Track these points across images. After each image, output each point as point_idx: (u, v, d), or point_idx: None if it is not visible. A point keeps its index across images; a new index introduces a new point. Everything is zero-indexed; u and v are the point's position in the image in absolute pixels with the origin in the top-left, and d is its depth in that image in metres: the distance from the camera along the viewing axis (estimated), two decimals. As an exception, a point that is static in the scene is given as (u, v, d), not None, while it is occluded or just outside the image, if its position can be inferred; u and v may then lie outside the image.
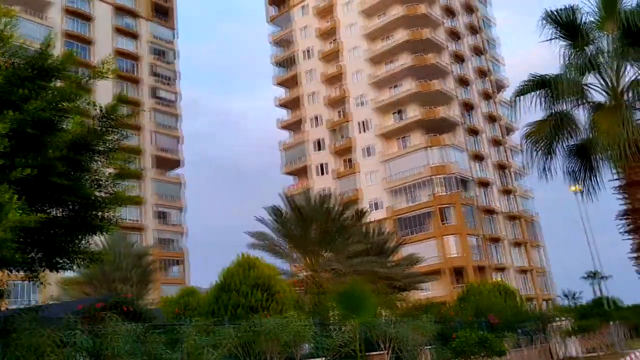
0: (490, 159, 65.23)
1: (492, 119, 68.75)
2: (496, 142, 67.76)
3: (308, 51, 70.91)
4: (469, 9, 71.99)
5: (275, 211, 27.36)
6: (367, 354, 15.14)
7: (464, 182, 58.36)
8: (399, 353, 14.26)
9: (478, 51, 70.79)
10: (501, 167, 66.81)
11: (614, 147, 10.16)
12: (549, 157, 12.71)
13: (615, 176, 11.76)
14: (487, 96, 69.59)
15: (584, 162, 13.00)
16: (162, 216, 64.53)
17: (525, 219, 66.94)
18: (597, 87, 11.86)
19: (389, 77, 61.95)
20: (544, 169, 12.78)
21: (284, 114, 73.65)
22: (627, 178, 11.22)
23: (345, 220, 29.18)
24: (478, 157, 62.38)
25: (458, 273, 53.88)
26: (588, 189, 13.06)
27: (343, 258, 28.74)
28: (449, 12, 66.69)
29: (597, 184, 12.99)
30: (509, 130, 72.79)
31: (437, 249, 54.58)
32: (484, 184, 61.62)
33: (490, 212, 60.77)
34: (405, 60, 60.62)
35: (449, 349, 13.70)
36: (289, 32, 73.48)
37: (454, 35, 66.34)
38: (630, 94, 11.03)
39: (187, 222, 68.21)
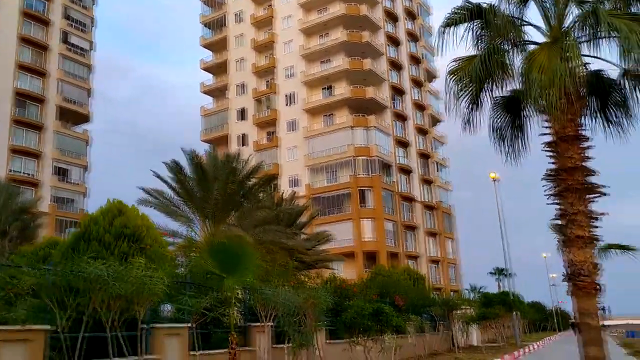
0: (415, 147, 64.78)
1: (420, 107, 68.31)
2: (422, 131, 67.43)
3: (239, 14, 67.28)
4: (409, -6, 70.97)
5: (174, 167, 24.39)
6: (247, 324, 12.89)
7: (386, 167, 57.40)
8: (285, 327, 12.12)
9: (413, 37, 69.99)
10: (424, 156, 66.61)
11: (551, 86, 8.31)
12: (475, 106, 10.83)
13: (546, 131, 10.01)
14: (417, 84, 69.05)
15: (512, 117, 11.27)
16: (62, 173, 59.19)
17: (442, 210, 67.27)
18: (538, 26, 10.08)
19: (321, 51, 59.67)
20: (468, 120, 10.90)
21: (209, 79, 69.74)
22: (559, 133, 9.49)
23: (254, 185, 26.71)
24: (402, 144, 61.66)
25: (371, 257, 52.92)
26: (514, 150, 11.36)
27: (249, 225, 26.42)
28: (389, -7, 65.28)
29: (524, 145, 11.32)
30: (435, 120, 72.86)
31: (352, 232, 53.36)
32: (406, 171, 61.05)
33: (409, 199, 60.32)
34: (339, 35, 58.52)
35: (339, 323, 11.75)
36: (221, -8, 69.48)
37: (392, 17, 65.02)
38: (575, 31, 9.29)
39: (91, 183, 63.18)
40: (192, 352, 10.65)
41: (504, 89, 10.85)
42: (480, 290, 68.69)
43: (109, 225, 13.49)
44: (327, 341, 14.62)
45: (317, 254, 34.49)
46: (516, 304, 36.89)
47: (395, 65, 63.63)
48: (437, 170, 69.64)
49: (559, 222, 9.60)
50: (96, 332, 8.32)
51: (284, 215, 32.68)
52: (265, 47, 64.29)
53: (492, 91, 10.86)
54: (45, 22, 59.21)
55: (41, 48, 58.40)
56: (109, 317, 8.18)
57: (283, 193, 39.40)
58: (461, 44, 10.44)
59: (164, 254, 13.79)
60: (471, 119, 10.96)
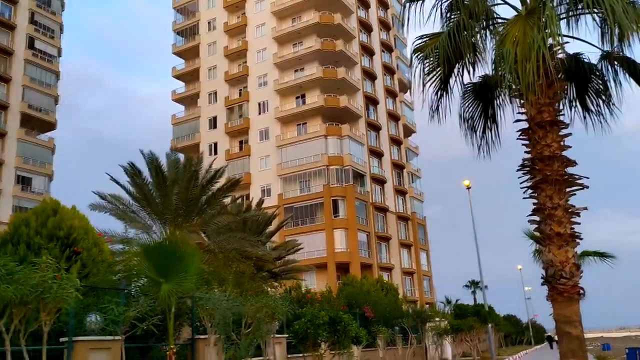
0: (389, 157, 64.06)
1: (394, 117, 67.79)
2: (395, 141, 66.81)
3: (212, 22, 66.13)
4: (383, 5, 70.74)
5: (131, 170, 22.94)
6: (195, 337, 11.55)
7: (359, 177, 56.47)
8: (237, 338, 10.81)
9: (387, 48, 69.66)
10: (397, 167, 65.92)
11: (527, 60, 7.32)
12: (444, 93, 9.83)
13: (521, 117, 9.02)
14: (391, 94, 68.58)
15: (484, 106, 10.29)
16: (24, 182, 56.96)
17: (416, 221, 66.53)
18: (514, 6, 9.12)
19: (294, 59, 58.73)
20: (437, 108, 9.88)
21: (181, 86, 68.18)
22: (535, 119, 8.51)
23: (218, 191, 25.36)
24: (376, 153, 60.87)
25: (344, 269, 51.69)
26: (486, 142, 10.38)
27: (212, 232, 25.11)
28: (363, 2, 64.86)
29: (497, 136, 10.35)
30: (409, 131, 72.48)
31: (325, 242, 52.14)
32: (380, 181, 60.19)
33: (382, 210, 59.39)
34: (312, 44, 57.71)
35: (290, 333, 10.50)
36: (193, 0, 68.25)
37: (366, 27, 64.56)
38: (554, 3, 8.32)
39: (57, 194, 61.02)
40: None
41: (475, 73, 9.88)
42: (456, 302, 68.15)
43: (41, 226, 12.10)
44: (288, 356, 13.35)
45: (286, 264, 33.22)
46: (491, 316, 35.99)
47: (369, 75, 63.06)
48: (411, 181, 69.06)
49: (536, 217, 8.57)
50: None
51: (251, 223, 31.37)
52: (238, 55, 63.16)
53: (462, 76, 9.88)
54: (10, 27, 57.34)
55: (5, 53, 56.42)
56: (11, 327, 6.84)
57: (252, 200, 38.15)
58: (428, 26, 9.47)
59: (103, 260, 12.41)
60: (440, 107, 9.95)
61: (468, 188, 30.93)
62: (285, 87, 58.30)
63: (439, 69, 9.55)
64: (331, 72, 56.53)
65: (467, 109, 10.37)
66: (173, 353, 9.11)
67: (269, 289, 23.53)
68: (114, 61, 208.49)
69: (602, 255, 17.89)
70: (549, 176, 8.26)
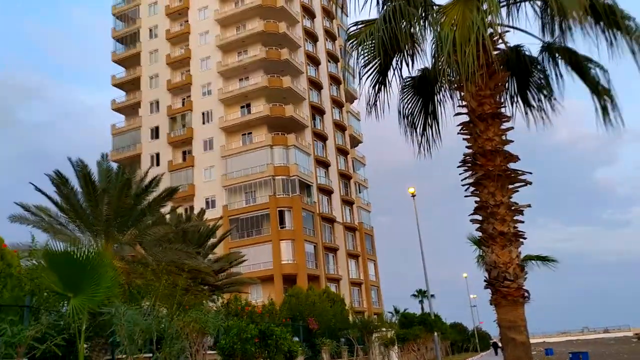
0: (336, 167, 63.74)
1: (340, 127, 67.63)
2: (342, 152, 66.61)
3: (153, 30, 64.30)
4: (329, 15, 70.80)
5: (57, 179, 21.36)
6: (113, 357, 10.40)
7: (305, 187, 55.81)
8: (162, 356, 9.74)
9: (333, 58, 69.64)
10: (344, 177, 65.69)
11: (466, 44, 6.80)
12: (381, 86, 9.25)
13: (462, 110, 8.52)
14: (337, 104, 68.50)
15: (424, 102, 9.78)
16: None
17: (363, 232, 66.37)
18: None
19: (239, 68, 57.73)
20: (375, 103, 9.28)
21: (121, 96, 65.75)
22: (476, 111, 8.02)
23: (154, 200, 24.03)
24: (323, 164, 60.43)
25: (291, 280, 50.65)
26: (427, 140, 9.86)
27: (149, 244, 23.74)
28: (308, 12, 64.69)
29: (438, 133, 9.85)
30: (356, 141, 72.55)
31: (271, 254, 51.04)
32: (326, 192, 59.72)
33: (329, 220, 58.87)
34: (257, 52, 56.91)
35: (217, 349, 9.55)
36: (134, 6, 66.21)
37: (311, 36, 64.37)
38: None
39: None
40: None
41: (414, 66, 9.34)
42: (404, 311, 68.23)
43: None
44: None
45: (229, 277, 32.03)
46: (437, 325, 35.84)
47: (315, 85, 62.78)
48: (358, 191, 68.97)
49: (478, 217, 8.04)
50: None
51: (192, 235, 30.09)
52: (180, 64, 61.59)
53: (400, 70, 9.32)
54: None
55: None
56: None
57: (193, 210, 36.81)
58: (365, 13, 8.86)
59: (12, 274, 11.09)
60: (378, 102, 9.35)
61: (413, 196, 30.79)
62: (230, 96, 57.17)
63: (375, 61, 8.98)
64: (277, 81, 55.86)
65: (407, 104, 9.83)
66: (83, 377, 8.01)
67: (209, 303, 22.40)
68: (53, 71, 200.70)
69: (544, 259, 17.80)
70: (491, 171, 7.76)
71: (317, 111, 61.73)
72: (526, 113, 9.51)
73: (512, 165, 8.05)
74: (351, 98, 73.33)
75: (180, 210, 42.58)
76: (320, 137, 61.23)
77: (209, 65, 59.58)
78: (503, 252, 7.66)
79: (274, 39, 57.55)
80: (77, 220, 22.31)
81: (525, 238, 7.85)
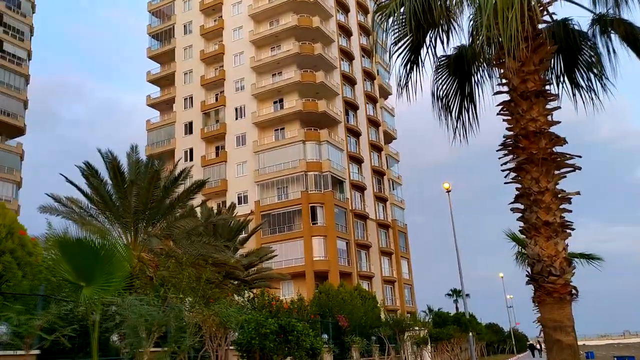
0: (369, 163, 62.89)
1: (374, 123, 66.71)
2: (375, 148, 65.70)
3: (187, 26, 64.66)
4: (363, 9, 69.93)
5: (87, 170, 21.32)
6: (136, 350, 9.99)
7: (338, 183, 55.16)
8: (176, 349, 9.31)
9: (367, 53, 68.67)
10: (378, 174, 64.77)
11: (509, 9, 6.06)
12: (414, 66, 8.55)
13: (502, 89, 7.75)
14: (371, 100, 67.58)
15: (460, 83, 9.03)
16: (-10, 189, 54.76)
17: (396, 229, 65.34)
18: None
19: (272, 63, 57.45)
20: (406, 83, 8.59)
21: (156, 91, 66.42)
22: (519, 89, 7.25)
23: (183, 193, 23.84)
24: (356, 160, 59.65)
25: (323, 277, 50.13)
26: (463, 124, 9.11)
27: (179, 237, 23.56)
28: (342, 6, 63.96)
29: (475, 117, 9.08)
30: (389, 138, 71.50)
31: (303, 250, 50.62)
32: (359, 188, 58.94)
33: (362, 217, 58.09)
34: (291, 47, 56.50)
35: (234, 344, 9.00)
36: (169, 3, 66.73)
37: (345, 31, 63.61)
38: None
39: (25, 201, 58.81)
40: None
41: (449, 43, 8.61)
42: (438, 310, 66.98)
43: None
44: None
45: (259, 272, 31.70)
46: (472, 324, 34.72)
47: (349, 80, 62.00)
48: (392, 189, 67.92)
49: (520, 205, 7.28)
50: None
51: (222, 229, 29.88)
52: (214, 59, 61.73)
53: (434, 47, 8.61)
54: (-25, 28, 55.33)
55: (-30, 55, 54.42)
56: None
57: (225, 206, 36.64)
58: None
59: (30, 262, 10.87)
60: (410, 83, 8.66)
61: (448, 191, 29.82)
62: (262, 91, 56.96)
63: (407, 37, 8.30)
64: (310, 76, 55.34)
65: (441, 85, 9.11)
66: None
67: (235, 297, 22.03)
68: (95, 71, 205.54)
69: (588, 257, 16.67)
70: (535, 155, 6.98)
71: (350, 106, 60.98)
72: (574, 95, 8.66)
73: (558, 149, 7.25)
74: (385, 94, 72.30)
75: (213, 205, 42.65)
76: (354, 132, 60.47)
77: (242, 61, 59.51)
78: (548, 244, 6.89)
79: (308, 34, 57.06)
80: (107, 212, 22.22)
81: (573, 229, 7.07)
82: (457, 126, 9.17)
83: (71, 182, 21.85)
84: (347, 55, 62.70)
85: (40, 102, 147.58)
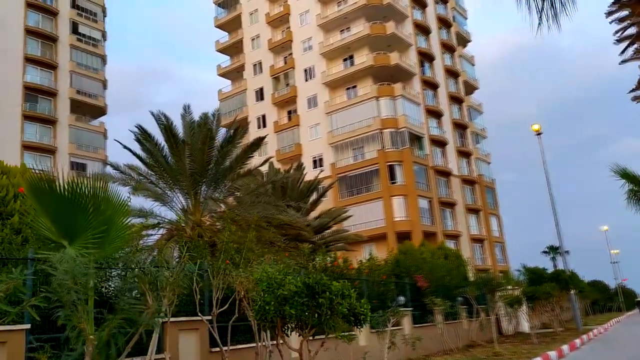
0: (449, 116, 59.07)
1: (453, 74, 62.39)
2: (456, 99, 61.54)
3: (252, -11, 63.11)
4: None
5: (141, 134, 20.29)
6: (165, 320, 8.45)
7: (417, 139, 52.12)
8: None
9: (441, -1, 64.05)
10: (460, 127, 60.78)
11: None
12: None
13: None
14: (448, 49, 63.10)
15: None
16: (79, 168, 56.71)
17: (483, 185, 61.37)
18: None
19: (339, 18, 54.69)
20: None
21: (226, 60, 65.90)
22: None
23: (242, 152, 22.33)
24: (434, 113, 56.10)
25: (406, 238, 47.81)
26: (552, 4, 6.51)
27: (237, 199, 22.31)
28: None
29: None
30: (471, 88, 66.83)
31: (383, 212, 48.49)
32: (440, 143, 55.51)
33: (444, 174, 54.80)
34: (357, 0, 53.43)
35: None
36: (232, -31, 65.41)
37: (415, -24, 59.34)
38: None
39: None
40: None
41: None
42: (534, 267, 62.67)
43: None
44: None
45: (333, 235, 30.04)
46: (573, 282, 31.24)
47: (422, 29, 57.96)
48: (476, 142, 63.69)
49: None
50: None
51: (291, 191, 28.37)
52: (280, 21, 59.88)
53: None
54: (53, 13, 56.75)
55: (50, 40, 55.96)
56: None
57: (300, 167, 35.06)
58: None
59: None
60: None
61: (538, 134, 26.37)
62: (331, 49, 54.52)
63: None
64: (379, 27, 52.13)
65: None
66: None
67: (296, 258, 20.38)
68: (176, 53, 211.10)
69: None
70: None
71: (425, 57, 57.14)
72: None
73: None
74: (464, 41, 67.44)
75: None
76: (431, 85, 56.76)
77: (308, 20, 57.24)
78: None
79: (375, -17, 53.61)
80: (165, 176, 21.17)
81: None
82: (542, 6, 6.60)
83: (127, 148, 20.96)
84: (418, 2, 58.57)
85: (121, 84, 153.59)
